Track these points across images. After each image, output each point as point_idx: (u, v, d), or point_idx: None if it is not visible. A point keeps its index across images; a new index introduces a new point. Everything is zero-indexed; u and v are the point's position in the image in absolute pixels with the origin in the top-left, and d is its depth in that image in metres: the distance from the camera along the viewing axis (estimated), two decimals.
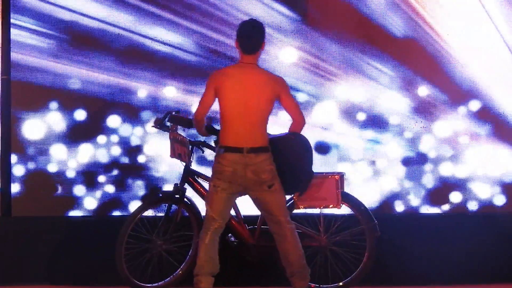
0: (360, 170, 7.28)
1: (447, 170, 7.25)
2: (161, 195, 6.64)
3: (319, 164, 7.09)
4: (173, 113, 6.61)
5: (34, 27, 7.36)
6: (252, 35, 5.72)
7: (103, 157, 7.38)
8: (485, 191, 7.22)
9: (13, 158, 7.38)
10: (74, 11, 7.40)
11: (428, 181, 7.26)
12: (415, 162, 7.30)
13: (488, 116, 7.25)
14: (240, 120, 5.63)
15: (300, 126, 5.86)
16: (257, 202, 5.80)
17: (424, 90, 7.26)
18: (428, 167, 7.26)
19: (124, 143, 7.40)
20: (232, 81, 5.66)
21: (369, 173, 7.27)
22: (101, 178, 7.37)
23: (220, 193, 5.68)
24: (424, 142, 7.27)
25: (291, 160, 5.80)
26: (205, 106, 5.72)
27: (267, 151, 5.69)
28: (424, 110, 7.27)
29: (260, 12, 7.19)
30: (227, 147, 5.65)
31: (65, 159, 7.37)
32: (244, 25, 5.77)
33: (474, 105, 7.24)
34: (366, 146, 7.33)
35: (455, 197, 7.24)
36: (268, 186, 5.67)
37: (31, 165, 7.36)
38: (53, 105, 7.38)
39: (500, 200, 7.23)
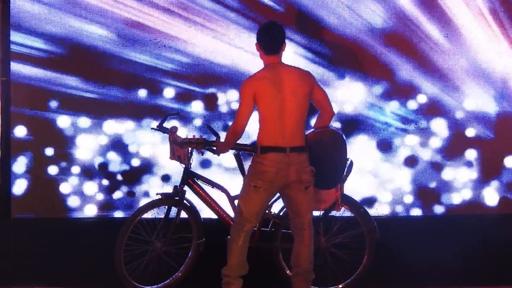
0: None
1: (444, 172, 7.25)
2: (160, 197, 6.61)
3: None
4: (173, 116, 6.71)
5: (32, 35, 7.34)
6: (275, 35, 5.79)
7: (103, 158, 7.38)
8: (479, 193, 7.24)
9: (13, 159, 7.36)
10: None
11: (426, 183, 7.25)
12: (413, 163, 7.27)
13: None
14: (281, 120, 5.68)
15: (331, 117, 5.96)
16: (289, 200, 5.84)
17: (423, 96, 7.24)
18: (426, 169, 7.26)
19: (124, 144, 7.36)
20: (267, 84, 5.70)
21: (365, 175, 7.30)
22: (101, 180, 7.37)
23: (262, 193, 5.73)
24: (417, 144, 7.24)
25: (332, 154, 5.90)
26: (246, 116, 5.75)
27: (306, 151, 5.77)
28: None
29: None
30: (269, 147, 5.68)
31: (65, 161, 7.35)
32: (266, 27, 5.85)
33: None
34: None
35: (454, 198, 7.25)
36: (305, 187, 5.72)
37: (31, 166, 7.35)
38: (53, 106, 7.36)
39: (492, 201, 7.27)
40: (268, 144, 5.70)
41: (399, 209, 7.28)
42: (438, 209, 7.26)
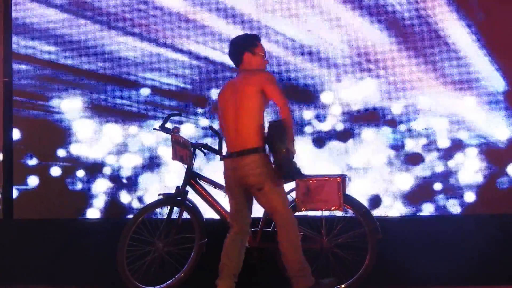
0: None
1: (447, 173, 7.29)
2: (162, 197, 6.61)
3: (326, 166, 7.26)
4: (175, 114, 6.70)
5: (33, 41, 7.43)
6: (231, 52, 6.05)
7: (104, 159, 7.42)
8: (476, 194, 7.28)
9: (15, 161, 7.44)
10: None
11: (429, 184, 7.29)
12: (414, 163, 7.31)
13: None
14: (235, 125, 5.82)
15: (283, 111, 5.83)
16: (256, 201, 5.95)
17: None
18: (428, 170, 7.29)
19: (126, 146, 7.43)
20: (225, 93, 5.94)
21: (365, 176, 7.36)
22: (103, 181, 7.42)
23: (230, 199, 5.94)
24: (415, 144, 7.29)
25: (274, 145, 5.81)
26: (220, 124, 6.12)
27: (256, 152, 5.78)
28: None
29: None
30: (225, 154, 5.93)
31: (67, 162, 7.40)
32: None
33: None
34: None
35: (455, 199, 7.28)
36: (257, 189, 5.77)
37: (33, 168, 7.40)
38: (55, 107, 7.42)
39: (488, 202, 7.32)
40: (226, 151, 5.93)
41: (402, 209, 7.32)
42: (440, 209, 7.31)
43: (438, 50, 7.37)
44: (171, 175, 7.32)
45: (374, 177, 7.36)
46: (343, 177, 6.48)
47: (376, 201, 7.35)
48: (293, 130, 5.83)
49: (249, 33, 6.24)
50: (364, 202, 6.89)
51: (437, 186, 7.35)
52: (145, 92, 7.45)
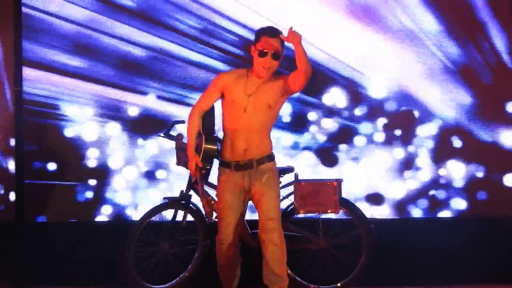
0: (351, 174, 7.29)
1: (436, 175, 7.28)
2: (167, 201, 6.65)
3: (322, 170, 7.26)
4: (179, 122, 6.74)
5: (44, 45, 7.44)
6: None
7: (113, 164, 7.39)
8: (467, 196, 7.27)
9: (25, 167, 7.42)
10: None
11: (420, 186, 7.27)
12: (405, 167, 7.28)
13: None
14: None
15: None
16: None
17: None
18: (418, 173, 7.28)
19: (133, 150, 7.40)
20: None
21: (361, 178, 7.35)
22: (110, 184, 7.39)
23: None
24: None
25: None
26: None
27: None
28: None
29: None
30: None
31: (75, 167, 7.40)
32: None
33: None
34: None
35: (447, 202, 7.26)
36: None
37: (42, 174, 7.40)
38: (65, 112, 7.40)
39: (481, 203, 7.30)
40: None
41: (398, 211, 7.31)
42: (432, 212, 7.27)
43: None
44: (175, 180, 7.30)
45: (368, 181, 7.31)
46: (338, 182, 6.50)
47: (370, 203, 7.29)
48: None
49: (264, 26, 5.66)
50: (359, 205, 6.88)
51: (426, 190, 7.28)
52: (151, 99, 7.39)
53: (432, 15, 7.29)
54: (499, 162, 7.28)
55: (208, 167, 5.81)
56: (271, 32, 5.47)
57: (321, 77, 7.31)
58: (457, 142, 7.32)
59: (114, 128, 7.44)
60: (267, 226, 5.51)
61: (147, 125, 7.42)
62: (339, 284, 6.51)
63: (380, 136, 7.32)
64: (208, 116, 5.75)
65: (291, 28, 5.33)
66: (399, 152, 7.30)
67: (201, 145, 5.75)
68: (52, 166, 7.43)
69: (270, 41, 5.44)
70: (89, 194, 7.42)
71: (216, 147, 5.75)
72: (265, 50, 5.45)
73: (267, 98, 5.54)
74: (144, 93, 7.44)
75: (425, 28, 7.27)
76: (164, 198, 6.72)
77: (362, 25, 7.30)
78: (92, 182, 7.43)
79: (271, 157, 5.65)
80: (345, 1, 7.30)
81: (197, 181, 5.80)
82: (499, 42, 7.24)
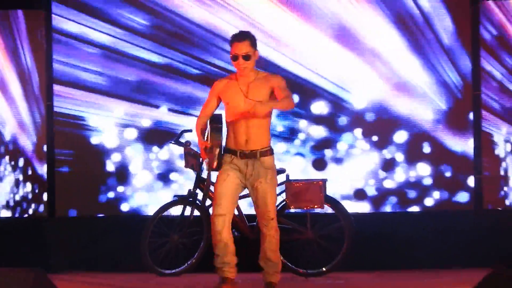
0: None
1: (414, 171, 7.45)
2: (177, 198, 6.85)
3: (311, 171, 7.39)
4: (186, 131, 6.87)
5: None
6: None
7: (131, 167, 7.53)
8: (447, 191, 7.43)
9: (56, 168, 7.54)
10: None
11: (396, 182, 7.45)
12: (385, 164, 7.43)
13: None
14: None
15: None
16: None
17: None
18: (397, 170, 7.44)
19: (148, 156, 7.53)
20: None
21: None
22: (130, 184, 7.54)
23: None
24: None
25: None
26: None
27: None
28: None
29: None
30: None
31: (99, 169, 7.54)
32: None
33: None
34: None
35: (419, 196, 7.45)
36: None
37: (71, 174, 7.54)
38: (90, 122, 7.56)
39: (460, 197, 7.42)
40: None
41: (374, 206, 7.46)
42: (404, 206, 7.44)
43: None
44: (184, 180, 7.43)
45: (350, 180, 7.47)
46: (324, 181, 6.74)
47: (351, 200, 7.42)
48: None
49: (234, 33, 5.67)
50: (341, 201, 7.07)
51: (398, 189, 7.44)
52: (163, 111, 7.50)
53: (400, 35, 7.44)
54: (460, 166, 7.45)
55: (217, 142, 5.54)
56: (238, 37, 5.53)
57: (308, 92, 7.45)
58: (426, 148, 7.50)
59: (132, 136, 7.55)
60: (268, 222, 5.55)
61: (160, 134, 7.49)
62: (324, 269, 6.75)
63: (359, 142, 7.46)
64: (215, 118, 5.66)
65: (250, 110, 5.41)
66: (376, 156, 7.43)
67: (208, 131, 5.63)
68: (79, 169, 7.54)
69: (239, 46, 5.48)
70: (111, 193, 7.53)
71: (221, 125, 5.56)
72: (235, 54, 5.50)
73: (259, 95, 5.52)
74: (157, 106, 7.55)
75: (393, 47, 7.45)
76: (174, 196, 6.93)
77: (341, 46, 7.49)
78: (114, 182, 7.54)
79: (271, 151, 5.61)
80: (327, 24, 7.41)
81: (209, 164, 5.58)
82: (461, 59, 7.44)
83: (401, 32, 7.49)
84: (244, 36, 5.56)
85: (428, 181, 7.52)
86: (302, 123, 7.58)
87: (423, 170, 7.55)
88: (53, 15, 7.56)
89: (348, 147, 7.54)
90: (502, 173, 7.45)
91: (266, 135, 5.60)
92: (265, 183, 5.54)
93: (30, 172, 7.65)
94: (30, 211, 7.62)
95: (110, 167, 7.62)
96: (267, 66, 7.26)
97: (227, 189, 5.51)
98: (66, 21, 7.59)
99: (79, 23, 7.58)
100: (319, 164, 7.55)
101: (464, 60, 7.48)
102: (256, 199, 5.58)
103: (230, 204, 5.54)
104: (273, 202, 5.58)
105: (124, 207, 7.60)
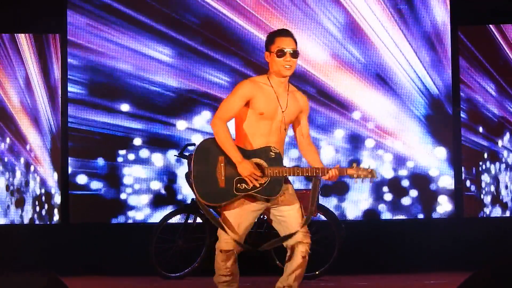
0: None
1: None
2: (181, 207, 6.94)
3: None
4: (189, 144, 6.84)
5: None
6: None
7: (140, 178, 7.51)
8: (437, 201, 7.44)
9: (70, 180, 7.47)
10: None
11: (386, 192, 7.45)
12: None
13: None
14: None
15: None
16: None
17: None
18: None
19: (156, 166, 7.49)
20: None
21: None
22: (139, 194, 7.51)
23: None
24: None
25: None
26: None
27: None
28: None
29: None
30: None
31: (110, 180, 7.50)
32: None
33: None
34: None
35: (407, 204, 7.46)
36: None
37: (83, 185, 7.48)
38: (101, 137, 7.53)
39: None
40: None
41: (364, 214, 7.46)
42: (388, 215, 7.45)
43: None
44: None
45: (342, 191, 7.47)
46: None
47: (342, 208, 7.42)
48: (226, 147, 4.31)
49: (276, 30, 4.58)
50: (333, 209, 7.11)
51: (388, 195, 7.43)
52: (182, 123, 7.47)
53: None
54: (441, 176, 7.45)
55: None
56: (285, 32, 4.47)
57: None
58: (410, 163, 7.53)
59: (143, 151, 7.54)
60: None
61: (168, 148, 7.49)
62: (317, 272, 6.71)
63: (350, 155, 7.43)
64: None
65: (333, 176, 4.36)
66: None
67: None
68: (90, 179, 7.53)
69: (286, 40, 4.40)
70: (121, 202, 7.51)
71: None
72: (282, 48, 4.37)
73: (292, 112, 4.47)
74: (172, 125, 7.55)
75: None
76: (179, 204, 7.06)
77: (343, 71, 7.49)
78: (124, 192, 7.51)
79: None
80: (324, 57, 7.41)
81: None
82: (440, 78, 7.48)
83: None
84: (291, 33, 4.48)
85: (412, 192, 7.56)
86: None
87: (407, 180, 7.57)
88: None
89: (340, 161, 7.52)
90: (482, 183, 7.52)
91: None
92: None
93: (44, 178, 7.65)
94: (43, 217, 7.62)
95: (121, 178, 7.61)
96: None
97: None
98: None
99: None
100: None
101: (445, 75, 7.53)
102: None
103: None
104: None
105: (132, 214, 7.59)
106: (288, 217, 4.43)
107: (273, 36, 4.46)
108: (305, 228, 4.46)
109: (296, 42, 4.44)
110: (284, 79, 4.45)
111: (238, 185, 4.34)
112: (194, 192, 4.44)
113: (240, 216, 4.35)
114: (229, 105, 4.42)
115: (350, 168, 4.41)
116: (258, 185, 4.32)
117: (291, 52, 4.39)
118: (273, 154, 4.37)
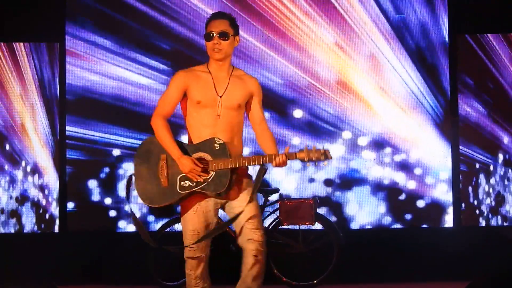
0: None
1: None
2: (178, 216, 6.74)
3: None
4: None
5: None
6: None
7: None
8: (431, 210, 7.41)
9: (68, 179, 7.43)
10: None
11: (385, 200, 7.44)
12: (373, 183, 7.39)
13: None
14: None
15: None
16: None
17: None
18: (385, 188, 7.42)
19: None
20: None
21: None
22: (136, 203, 6.94)
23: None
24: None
25: None
26: None
27: None
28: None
29: None
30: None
31: (108, 190, 7.47)
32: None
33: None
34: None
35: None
36: None
37: (81, 192, 7.44)
38: (99, 151, 7.49)
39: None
40: None
41: (361, 223, 7.42)
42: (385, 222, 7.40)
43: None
44: None
45: (339, 199, 7.44)
46: (315, 200, 6.73)
47: (340, 217, 7.41)
48: (165, 143, 4.23)
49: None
50: (330, 217, 7.16)
51: (383, 205, 7.41)
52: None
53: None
54: (440, 185, 7.43)
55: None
56: (214, 15, 4.38)
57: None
58: (408, 173, 7.47)
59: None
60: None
61: None
62: (315, 281, 6.72)
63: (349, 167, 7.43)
64: None
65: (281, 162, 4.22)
66: (363, 180, 7.43)
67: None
68: (89, 188, 7.50)
69: (215, 23, 4.28)
70: (118, 211, 7.47)
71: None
72: (210, 32, 4.26)
73: (234, 97, 4.31)
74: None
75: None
76: (176, 213, 7.04)
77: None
78: (121, 202, 7.46)
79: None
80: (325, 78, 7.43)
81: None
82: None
83: None
84: (223, 15, 4.35)
85: (410, 199, 7.51)
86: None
87: (405, 189, 7.54)
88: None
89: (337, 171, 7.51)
90: (479, 193, 7.47)
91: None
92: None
93: (43, 187, 7.59)
94: (42, 226, 7.57)
95: (118, 189, 7.57)
96: None
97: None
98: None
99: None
100: (311, 184, 7.50)
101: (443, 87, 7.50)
102: None
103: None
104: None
105: (130, 224, 7.55)
106: (238, 213, 4.25)
107: (206, 22, 4.36)
108: (254, 224, 4.23)
109: (230, 23, 4.30)
110: (222, 62, 4.30)
111: (182, 183, 4.22)
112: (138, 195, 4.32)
113: (197, 219, 4.29)
114: (165, 99, 4.32)
115: (300, 151, 4.23)
116: (202, 181, 4.19)
117: (219, 34, 4.25)
118: (217, 146, 4.20)
